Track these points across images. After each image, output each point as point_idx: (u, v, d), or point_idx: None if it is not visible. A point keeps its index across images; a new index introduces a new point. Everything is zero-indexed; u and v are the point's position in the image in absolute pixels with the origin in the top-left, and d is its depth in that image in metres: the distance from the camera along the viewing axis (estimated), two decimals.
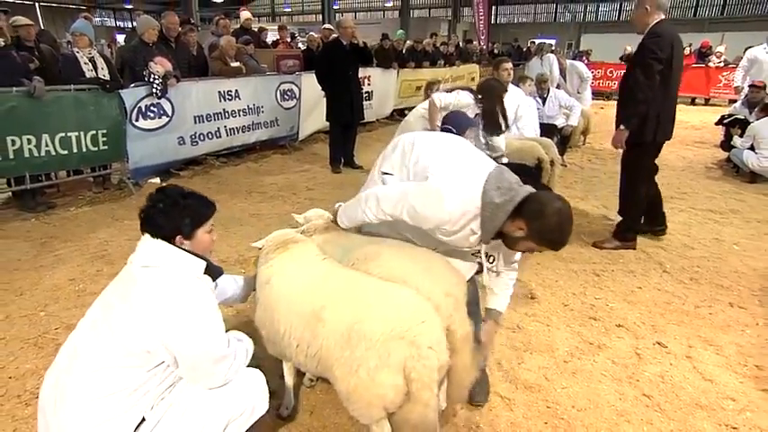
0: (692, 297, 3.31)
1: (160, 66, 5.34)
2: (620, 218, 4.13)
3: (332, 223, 2.38)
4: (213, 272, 1.73)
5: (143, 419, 1.54)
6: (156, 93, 5.35)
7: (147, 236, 1.63)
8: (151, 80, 5.29)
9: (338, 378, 1.72)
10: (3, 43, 4.46)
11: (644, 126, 3.69)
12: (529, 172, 4.29)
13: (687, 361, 2.64)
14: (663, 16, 3.62)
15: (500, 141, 3.99)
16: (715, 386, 2.45)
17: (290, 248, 2.12)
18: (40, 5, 22.24)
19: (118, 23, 27.47)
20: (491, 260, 2.18)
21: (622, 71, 14.08)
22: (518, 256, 2.18)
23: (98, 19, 26.23)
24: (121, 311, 1.54)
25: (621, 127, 3.73)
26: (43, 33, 6.20)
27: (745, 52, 8.78)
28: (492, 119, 3.86)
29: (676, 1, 20.97)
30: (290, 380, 2.25)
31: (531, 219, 1.80)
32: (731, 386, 2.45)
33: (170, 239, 1.62)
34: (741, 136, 6.29)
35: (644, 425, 2.20)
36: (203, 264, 1.67)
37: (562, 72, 7.43)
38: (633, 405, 2.31)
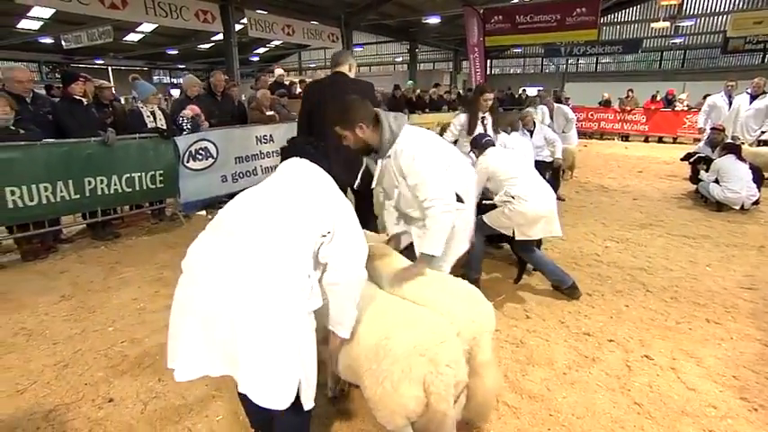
0: (674, 314, 3.25)
1: (189, 111, 5.49)
2: None
3: (382, 247, 2.41)
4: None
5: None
6: (186, 130, 5.43)
7: (296, 158, 1.80)
8: (180, 122, 5.43)
9: (367, 387, 1.73)
10: (86, 102, 4.65)
11: None
12: None
13: (672, 372, 2.58)
14: (339, 69, 3.26)
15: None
16: (698, 395, 2.39)
17: None
18: (111, 68, 23.31)
19: (172, 80, 28.36)
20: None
21: (602, 114, 14.41)
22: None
23: (156, 77, 27.14)
24: (301, 199, 1.64)
25: None
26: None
27: (704, 99, 8.82)
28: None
29: (642, 56, 21.23)
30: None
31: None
32: (712, 395, 2.39)
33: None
34: (706, 171, 6.27)
35: (636, 430, 2.14)
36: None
37: (550, 113, 7.46)
38: (626, 413, 2.26)
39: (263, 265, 1.46)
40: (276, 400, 1.43)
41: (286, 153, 1.86)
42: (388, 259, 2.34)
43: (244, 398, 1.68)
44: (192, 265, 1.55)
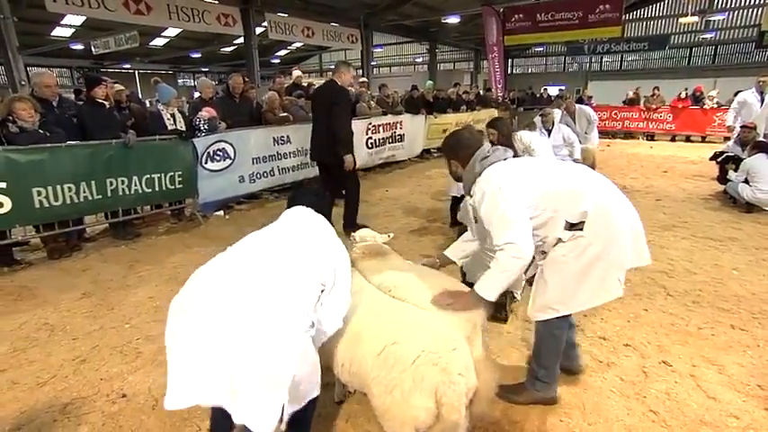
0: (695, 319, 3.13)
1: (206, 112, 5.58)
2: None
3: (379, 246, 2.41)
4: None
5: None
6: (204, 131, 5.52)
7: (301, 207, 1.94)
8: (197, 123, 5.50)
9: (375, 395, 1.69)
10: (108, 105, 4.79)
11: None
12: None
13: (691, 379, 2.48)
14: (332, 77, 4.68)
15: None
16: (718, 404, 2.29)
17: None
18: (138, 72, 24.05)
19: (196, 83, 29.08)
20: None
21: (626, 113, 14.00)
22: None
23: (180, 81, 27.79)
24: (305, 247, 1.73)
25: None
26: (131, 94, 6.64)
27: (735, 95, 8.49)
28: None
29: (670, 53, 20.57)
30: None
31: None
32: (734, 404, 2.29)
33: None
34: (735, 171, 6.03)
35: None
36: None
37: (572, 114, 7.27)
38: (640, 420, 2.19)
39: (267, 304, 1.50)
40: (266, 426, 1.45)
41: (292, 202, 2.01)
42: (383, 258, 2.33)
43: (215, 412, 1.76)
44: (190, 302, 1.55)
